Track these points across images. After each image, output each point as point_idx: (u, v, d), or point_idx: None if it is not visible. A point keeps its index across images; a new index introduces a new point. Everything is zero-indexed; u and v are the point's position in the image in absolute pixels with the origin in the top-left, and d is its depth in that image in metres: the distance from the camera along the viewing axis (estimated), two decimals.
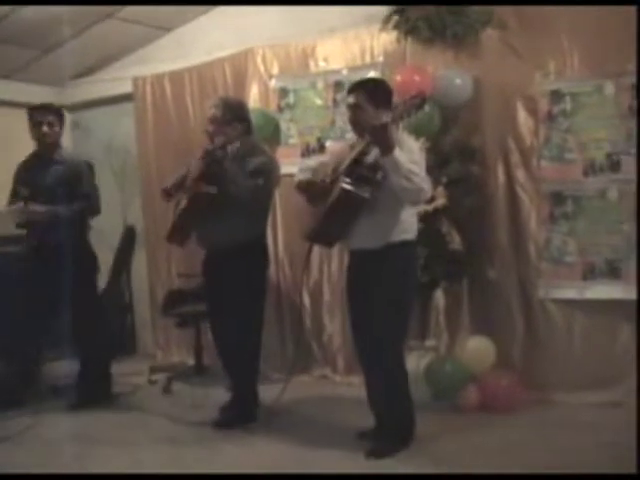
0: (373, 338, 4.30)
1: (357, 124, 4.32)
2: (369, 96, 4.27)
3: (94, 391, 5.59)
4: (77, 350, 5.68)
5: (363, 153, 4.16)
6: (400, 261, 4.31)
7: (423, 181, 4.08)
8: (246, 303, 4.95)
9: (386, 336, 4.28)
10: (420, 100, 4.03)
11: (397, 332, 4.37)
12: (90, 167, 5.69)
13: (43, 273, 5.41)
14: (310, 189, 4.49)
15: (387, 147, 3.96)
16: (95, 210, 5.61)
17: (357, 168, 4.15)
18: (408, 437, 4.40)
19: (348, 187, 4.11)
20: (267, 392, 5.17)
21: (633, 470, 3.58)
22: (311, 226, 4.47)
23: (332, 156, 4.61)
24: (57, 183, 5.43)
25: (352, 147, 4.34)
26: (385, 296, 4.26)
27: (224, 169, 4.77)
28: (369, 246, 4.28)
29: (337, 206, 4.19)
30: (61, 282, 5.35)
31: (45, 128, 5.45)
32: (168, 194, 5.16)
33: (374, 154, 4.12)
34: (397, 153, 3.97)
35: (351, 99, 4.33)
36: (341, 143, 4.78)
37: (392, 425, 4.40)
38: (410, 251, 4.40)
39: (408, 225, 4.33)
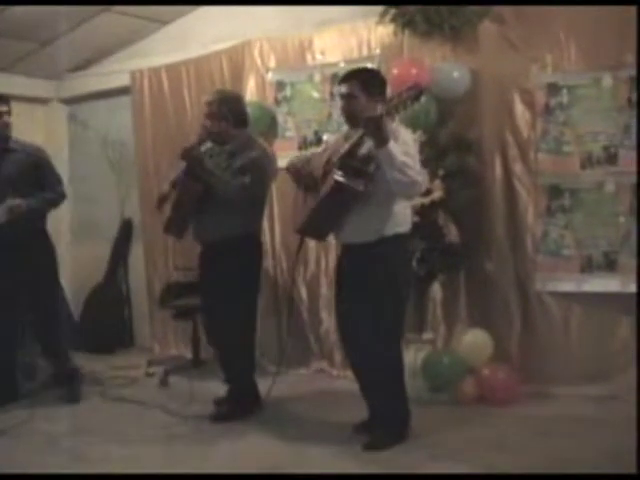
0: (369, 333, 4.25)
1: (350, 114, 4.27)
2: (363, 86, 4.22)
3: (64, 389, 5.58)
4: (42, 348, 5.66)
5: (356, 145, 4.10)
6: (395, 255, 4.27)
7: (418, 174, 4.04)
8: (238, 298, 4.95)
9: (383, 331, 4.25)
10: (416, 92, 3.98)
11: (394, 327, 4.35)
12: (46, 153, 5.61)
13: (3, 266, 5.33)
14: (298, 172, 4.46)
15: (381, 140, 3.92)
16: (63, 197, 5.57)
17: (350, 160, 4.09)
18: (405, 430, 4.39)
19: (341, 179, 4.05)
20: (265, 385, 5.17)
21: (632, 467, 3.56)
22: (302, 219, 4.40)
23: (326, 147, 4.56)
24: (20, 172, 5.31)
25: (346, 138, 4.29)
26: (380, 291, 4.22)
27: (204, 168, 4.79)
28: (362, 240, 4.23)
29: (329, 198, 4.14)
30: (24, 275, 5.35)
31: (6, 118, 5.33)
32: (160, 202, 5.19)
33: (367, 146, 4.07)
34: (391, 146, 3.93)
35: (344, 88, 4.27)
36: (336, 135, 4.72)
37: (388, 419, 4.38)
38: (405, 244, 4.37)
39: (402, 218, 4.29)
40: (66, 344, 5.70)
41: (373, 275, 4.22)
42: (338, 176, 4.06)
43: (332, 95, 6.01)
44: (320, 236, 4.62)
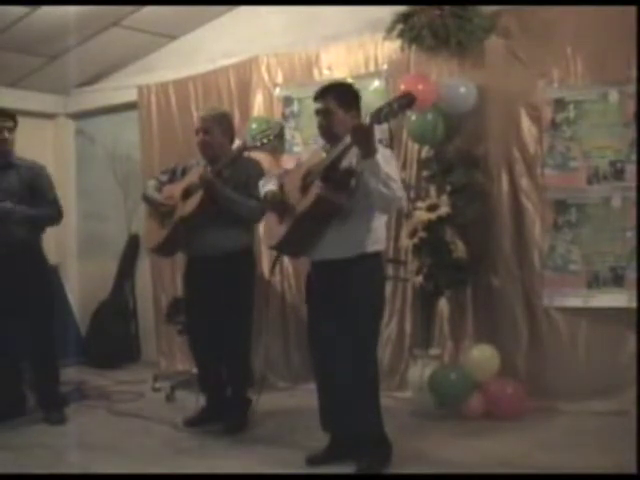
0: (353, 351, 4.12)
1: (328, 130, 4.19)
2: (338, 100, 4.17)
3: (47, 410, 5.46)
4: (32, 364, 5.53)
5: (338, 158, 4.01)
6: (376, 272, 4.24)
7: (399, 189, 3.99)
8: (251, 310, 5.04)
9: (366, 348, 4.18)
10: (408, 100, 3.82)
11: (375, 344, 4.28)
12: (47, 171, 5.55)
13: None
14: (276, 202, 4.31)
15: (369, 150, 3.83)
16: (61, 217, 5.53)
17: (332, 173, 4.01)
18: (390, 451, 4.26)
19: (323, 193, 3.98)
20: (273, 400, 5.16)
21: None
22: (280, 235, 4.26)
23: (301, 162, 4.44)
24: (20, 186, 5.28)
25: (326, 152, 4.18)
26: (363, 308, 4.13)
27: (225, 195, 4.82)
28: (341, 256, 4.10)
29: (310, 212, 4.03)
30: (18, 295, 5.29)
31: (6, 134, 5.30)
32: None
33: (349, 160, 4.02)
34: (378, 157, 3.87)
35: (320, 104, 4.20)
36: (311, 149, 4.55)
37: (372, 442, 4.23)
38: (381, 262, 4.33)
39: (381, 235, 4.26)
40: (57, 370, 5.60)
41: (355, 292, 4.11)
42: (320, 189, 3.99)
43: None
44: (298, 252, 4.45)
